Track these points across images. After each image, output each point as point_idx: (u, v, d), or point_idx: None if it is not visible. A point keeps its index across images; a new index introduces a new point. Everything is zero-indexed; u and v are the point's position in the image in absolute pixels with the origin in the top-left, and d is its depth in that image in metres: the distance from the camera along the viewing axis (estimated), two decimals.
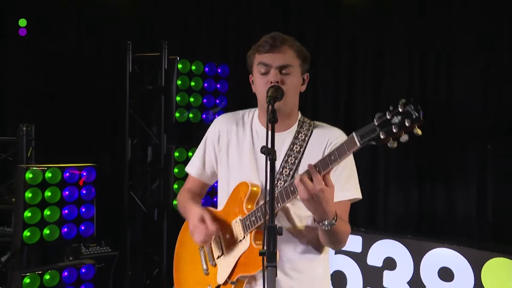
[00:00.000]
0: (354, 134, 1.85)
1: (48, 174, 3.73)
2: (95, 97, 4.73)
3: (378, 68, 4.96)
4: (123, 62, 4.58)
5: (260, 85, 2.22)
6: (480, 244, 4.16)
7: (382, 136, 1.78)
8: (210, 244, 2.33)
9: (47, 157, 4.00)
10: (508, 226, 4.56)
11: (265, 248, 1.78)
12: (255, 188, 2.22)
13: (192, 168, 2.51)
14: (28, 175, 3.65)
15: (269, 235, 1.78)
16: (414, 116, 1.71)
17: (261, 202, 2.16)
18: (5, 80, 4.65)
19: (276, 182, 2.17)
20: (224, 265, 2.25)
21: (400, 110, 1.74)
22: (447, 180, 4.85)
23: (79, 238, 3.93)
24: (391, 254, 4.35)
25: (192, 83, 4.50)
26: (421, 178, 4.93)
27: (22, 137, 3.90)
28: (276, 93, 2.09)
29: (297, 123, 2.31)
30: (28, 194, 3.65)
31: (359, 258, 4.49)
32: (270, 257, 1.75)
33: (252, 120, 2.37)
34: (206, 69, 4.57)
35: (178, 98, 4.41)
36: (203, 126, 4.67)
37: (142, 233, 4.88)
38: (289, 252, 2.21)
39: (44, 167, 3.75)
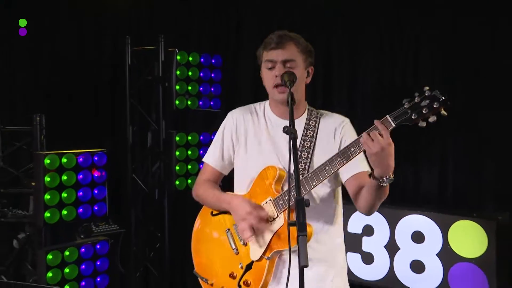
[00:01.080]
0: (387, 116, 1.99)
1: (64, 160, 3.75)
2: (98, 88, 4.72)
3: (351, 55, 4.99)
4: (123, 56, 4.59)
5: (267, 79, 2.29)
6: (447, 210, 4.31)
7: (414, 117, 1.94)
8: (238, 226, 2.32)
9: (55, 144, 3.99)
10: (465, 194, 4.76)
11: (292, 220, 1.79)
12: (282, 172, 2.25)
13: (210, 159, 2.48)
14: (47, 160, 3.66)
15: (298, 207, 1.80)
16: (441, 99, 1.90)
17: (291, 184, 2.20)
18: (12, 73, 4.59)
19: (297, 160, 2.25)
20: (258, 242, 2.24)
21: (427, 94, 1.91)
22: (415, 155, 4.95)
23: (93, 217, 3.97)
24: (369, 222, 4.49)
25: (190, 73, 4.52)
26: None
27: (36, 126, 3.89)
28: (292, 77, 2.16)
29: (306, 112, 2.38)
30: (47, 178, 3.67)
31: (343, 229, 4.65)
32: (300, 227, 1.76)
33: (264, 110, 2.42)
34: (202, 59, 4.59)
35: (177, 87, 4.43)
36: (200, 113, 4.79)
37: (144, 211, 4.90)
38: (312, 227, 2.22)
39: (61, 153, 3.76)
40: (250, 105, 2.49)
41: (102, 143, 4.57)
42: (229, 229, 2.36)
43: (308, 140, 2.30)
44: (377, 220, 4.46)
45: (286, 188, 2.23)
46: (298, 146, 2.26)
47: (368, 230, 4.51)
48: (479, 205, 4.57)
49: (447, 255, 4.14)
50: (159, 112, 4.65)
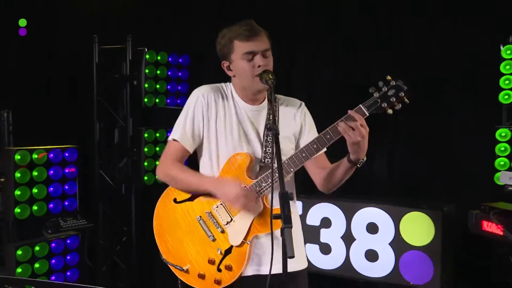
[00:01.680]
0: (360, 105, 2.08)
1: (35, 155, 3.66)
2: (66, 86, 4.61)
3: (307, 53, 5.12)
4: (90, 54, 4.51)
5: (247, 69, 2.21)
6: (399, 202, 4.41)
7: (383, 106, 2.05)
8: (212, 213, 2.28)
9: (22, 140, 3.89)
10: (414, 186, 4.94)
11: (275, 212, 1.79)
12: (252, 158, 2.25)
13: (182, 136, 2.31)
14: (17, 156, 3.57)
15: (283, 200, 1.80)
16: (404, 88, 2.04)
17: (258, 171, 2.24)
18: None
19: (264, 149, 2.26)
20: (237, 228, 2.23)
21: (393, 84, 2.05)
22: (368, 151, 5.18)
23: (64, 213, 3.89)
24: (327, 215, 4.54)
25: (158, 72, 4.49)
26: (345, 149, 5.21)
27: (4, 122, 3.78)
28: (271, 76, 2.14)
29: (266, 98, 2.35)
30: (18, 174, 3.57)
31: (300, 219, 4.71)
32: (286, 220, 1.76)
33: (231, 94, 2.34)
34: (170, 59, 4.57)
35: (146, 85, 4.40)
36: (167, 110, 4.74)
37: (111, 206, 4.83)
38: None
39: (31, 149, 3.66)
40: (217, 85, 2.38)
41: (69, 139, 4.49)
42: (200, 217, 2.30)
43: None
44: (334, 213, 4.53)
45: (256, 173, 2.25)
46: (264, 131, 2.28)
47: (326, 222, 4.57)
48: (427, 196, 4.78)
49: (398, 244, 4.26)
50: (126, 110, 4.59)
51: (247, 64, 2.22)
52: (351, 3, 5.00)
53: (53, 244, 3.78)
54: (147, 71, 4.39)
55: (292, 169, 2.17)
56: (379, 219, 4.37)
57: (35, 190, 3.67)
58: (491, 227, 3.52)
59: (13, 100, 4.30)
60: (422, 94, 4.72)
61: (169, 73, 4.58)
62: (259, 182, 2.20)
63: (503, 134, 4.19)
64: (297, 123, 2.37)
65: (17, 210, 3.58)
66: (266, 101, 2.35)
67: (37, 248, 3.68)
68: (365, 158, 2.15)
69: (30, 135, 4.09)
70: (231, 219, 2.25)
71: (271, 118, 2.21)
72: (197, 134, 2.31)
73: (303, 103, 2.43)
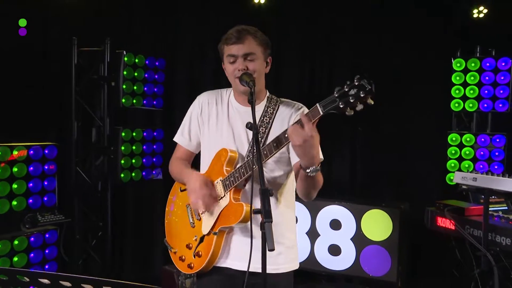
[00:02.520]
0: (317, 104, 1.89)
1: (15, 152, 3.60)
2: (45, 85, 4.53)
3: (278, 63, 5.21)
4: (70, 55, 4.47)
5: (230, 72, 2.25)
6: (360, 200, 4.57)
7: (341, 106, 1.81)
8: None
9: (7, 138, 3.76)
10: (371, 187, 5.10)
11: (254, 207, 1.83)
12: (233, 154, 2.25)
13: (181, 139, 2.46)
14: None
15: (264, 196, 1.80)
16: (367, 88, 1.78)
17: (239, 165, 2.19)
18: None
19: (250, 149, 2.23)
20: (208, 218, 2.27)
21: (356, 83, 1.80)
22: (329, 154, 5.27)
23: (43, 208, 3.83)
24: None
25: (136, 74, 4.48)
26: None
27: None
28: (251, 78, 2.14)
29: (265, 99, 2.34)
30: None
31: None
32: (266, 214, 1.76)
33: (229, 97, 2.39)
34: (147, 61, 4.57)
35: (124, 86, 4.38)
36: (144, 111, 4.75)
37: (87, 202, 4.75)
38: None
39: (12, 145, 3.60)
40: (218, 90, 2.44)
41: (48, 137, 4.42)
42: (188, 204, 2.38)
43: (263, 126, 2.27)
44: (300, 210, 4.60)
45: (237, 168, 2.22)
46: (253, 132, 2.22)
47: None
48: (385, 195, 4.94)
49: (359, 239, 4.40)
50: (103, 110, 4.55)
51: (230, 66, 2.25)
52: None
53: (32, 238, 3.71)
54: (125, 73, 4.37)
55: (253, 166, 2.07)
56: (342, 216, 4.49)
57: (14, 186, 3.61)
58: (445, 223, 3.69)
59: None
60: (380, 102, 4.92)
61: (146, 75, 4.57)
62: (229, 176, 2.20)
63: (453, 139, 4.40)
64: (290, 124, 2.24)
65: None
66: (263, 102, 2.33)
67: (16, 242, 3.61)
68: (317, 167, 1.98)
69: (9, 133, 3.97)
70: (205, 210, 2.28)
71: (265, 119, 2.27)
72: (194, 137, 2.43)
73: (304, 107, 2.31)
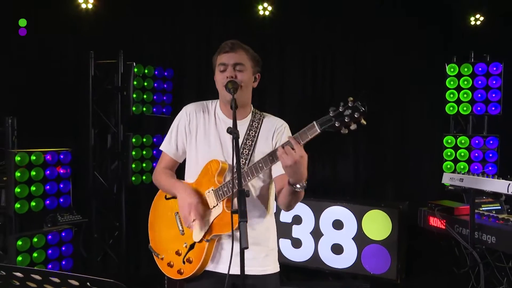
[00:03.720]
0: (314, 122, 1.97)
1: (33, 157, 3.77)
2: (65, 95, 4.75)
3: (281, 72, 5.37)
4: (87, 68, 4.67)
5: (220, 80, 2.27)
6: (361, 201, 4.60)
7: (337, 125, 1.92)
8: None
9: (26, 144, 3.97)
10: (374, 187, 5.12)
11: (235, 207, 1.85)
12: (224, 165, 2.26)
13: (168, 148, 2.44)
14: (17, 158, 3.67)
15: (240, 197, 1.84)
16: (361, 110, 1.89)
17: (229, 176, 2.19)
18: None
19: (240, 158, 2.20)
20: (200, 227, 2.26)
21: (350, 105, 1.90)
22: (334, 156, 5.35)
23: (59, 208, 3.99)
24: (297, 213, 4.67)
25: (145, 83, 4.63)
26: (314, 156, 5.33)
27: (8, 128, 3.88)
28: (235, 85, 2.18)
29: (251, 114, 2.37)
30: (17, 174, 3.67)
31: (274, 217, 4.84)
32: (242, 214, 1.81)
33: (215, 109, 2.39)
34: (156, 72, 4.71)
35: (134, 95, 4.53)
36: (154, 118, 4.90)
37: (104, 204, 4.95)
38: (249, 216, 2.18)
39: (30, 151, 3.78)
40: (203, 102, 2.44)
41: (67, 143, 4.61)
42: (177, 212, 2.36)
43: (250, 139, 2.30)
44: (305, 211, 4.67)
45: (228, 179, 2.22)
46: (241, 144, 2.26)
47: (297, 219, 4.71)
48: (385, 196, 4.96)
49: (360, 239, 4.43)
50: (117, 117, 4.73)
51: (220, 74, 2.28)
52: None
53: (49, 236, 3.88)
54: (135, 82, 4.53)
55: (249, 177, 2.15)
56: (344, 217, 4.52)
57: (33, 188, 3.77)
58: (436, 222, 3.71)
59: (20, 108, 4.41)
60: (380, 108, 4.98)
61: (155, 85, 4.72)
62: (222, 187, 2.22)
63: (449, 141, 4.40)
64: (273, 141, 2.34)
65: (17, 205, 3.69)
66: (248, 117, 2.35)
67: (35, 239, 3.78)
68: (304, 183, 2.06)
69: (34, 140, 4.16)
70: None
71: (251, 132, 2.31)
72: (180, 146, 2.41)
73: (285, 125, 2.38)
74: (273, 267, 2.40)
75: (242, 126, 2.30)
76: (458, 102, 4.39)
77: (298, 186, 2.06)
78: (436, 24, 4.74)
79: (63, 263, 3.99)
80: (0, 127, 3.95)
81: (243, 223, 1.81)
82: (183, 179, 2.43)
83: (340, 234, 4.54)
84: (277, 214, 4.69)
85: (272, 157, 2.10)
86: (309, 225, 4.67)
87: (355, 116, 1.89)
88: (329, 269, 4.62)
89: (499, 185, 3.02)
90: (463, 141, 4.35)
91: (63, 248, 3.99)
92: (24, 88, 4.59)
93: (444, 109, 4.43)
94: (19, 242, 3.68)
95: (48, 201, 3.89)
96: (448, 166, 4.36)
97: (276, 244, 2.47)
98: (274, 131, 2.34)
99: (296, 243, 4.73)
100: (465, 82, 4.33)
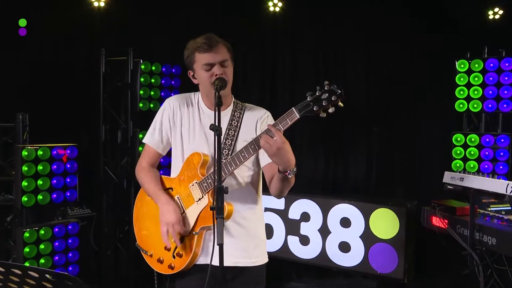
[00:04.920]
0: (293, 108, 1.99)
1: (40, 152, 3.86)
2: (78, 92, 4.87)
3: (293, 69, 5.35)
4: (98, 65, 4.75)
5: (206, 78, 2.25)
6: (369, 199, 4.56)
7: (315, 109, 1.95)
8: None
9: (40, 139, 4.07)
10: (385, 185, 5.06)
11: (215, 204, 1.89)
12: (206, 157, 2.27)
13: (151, 140, 2.43)
14: (24, 152, 3.77)
15: (218, 194, 1.88)
16: (338, 93, 1.93)
17: (213, 168, 2.18)
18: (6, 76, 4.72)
19: (221, 151, 2.20)
20: (187, 220, 2.26)
21: (327, 88, 1.94)
22: (345, 153, 5.30)
23: (65, 202, 4.08)
24: (306, 210, 4.68)
25: (152, 80, 4.67)
26: (326, 152, 5.35)
27: (19, 123, 3.99)
28: (221, 83, 2.18)
29: (232, 104, 2.38)
30: (24, 168, 3.77)
31: (282, 214, 4.78)
32: (218, 211, 1.85)
33: (198, 102, 2.39)
34: (163, 69, 4.75)
35: (141, 92, 4.58)
36: None
37: (114, 198, 5.04)
38: (237, 205, 2.27)
39: (36, 146, 3.88)
40: (186, 95, 2.44)
41: (80, 139, 4.74)
42: None
43: (232, 129, 2.31)
44: (313, 208, 4.66)
45: (211, 170, 2.22)
46: (223, 135, 2.27)
47: (305, 217, 4.71)
48: (392, 193, 4.89)
49: (368, 237, 4.39)
50: (127, 114, 4.80)
51: (206, 73, 2.25)
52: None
53: (56, 229, 3.99)
54: (142, 79, 4.58)
55: (233, 167, 2.16)
56: (352, 215, 4.49)
57: (39, 182, 3.87)
58: (438, 222, 3.62)
59: (34, 105, 4.54)
60: (390, 109, 4.92)
61: (163, 81, 4.76)
62: (206, 179, 2.24)
63: (458, 139, 4.29)
64: (257, 130, 2.35)
65: (24, 198, 3.80)
66: (230, 107, 2.36)
67: (41, 232, 3.89)
68: (294, 169, 2.08)
69: (47, 135, 4.27)
70: (183, 211, 2.30)
71: (233, 122, 2.32)
72: (165, 138, 2.41)
73: (268, 113, 2.39)
74: (262, 258, 2.41)
75: (225, 117, 2.31)
76: (468, 99, 4.26)
77: (288, 172, 2.08)
78: (451, 19, 4.62)
79: (70, 255, 4.09)
80: (11, 123, 4.08)
81: (220, 220, 1.85)
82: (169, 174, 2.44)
83: (348, 232, 4.52)
84: (285, 211, 4.80)
85: (254, 145, 2.11)
86: (317, 222, 4.66)
87: (332, 99, 1.92)
88: (337, 267, 4.60)
89: (499, 185, 2.92)
90: (473, 139, 4.22)
91: (70, 241, 4.09)
92: (38, 85, 4.73)
93: (453, 106, 4.31)
94: (26, 234, 3.79)
95: (54, 195, 3.98)
96: (458, 165, 4.24)
97: (265, 234, 2.48)
98: (257, 120, 2.34)
99: (304, 240, 4.73)
100: (476, 79, 4.20)
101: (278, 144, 1.98)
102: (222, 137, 2.24)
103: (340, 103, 1.94)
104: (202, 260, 2.31)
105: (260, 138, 2.04)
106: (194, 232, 2.25)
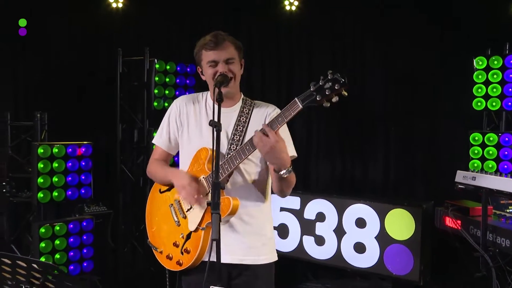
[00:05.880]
0: (296, 98, 1.98)
1: (55, 150, 3.98)
2: (95, 92, 4.98)
3: (310, 69, 5.33)
4: (115, 64, 4.83)
5: (209, 75, 2.29)
6: (384, 199, 4.49)
7: (318, 98, 1.92)
8: (179, 201, 2.34)
9: (59, 138, 4.19)
10: (403, 186, 4.99)
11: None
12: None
13: (160, 140, 2.47)
14: (40, 150, 3.89)
15: (214, 189, 1.87)
16: (341, 81, 1.88)
17: (221, 162, 2.18)
18: (26, 76, 4.84)
19: (229, 146, 2.26)
20: (194, 215, 2.27)
21: (330, 77, 1.90)
22: (363, 152, 5.23)
23: (80, 199, 4.17)
24: (321, 210, 4.65)
25: (167, 79, 4.73)
26: (343, 151, 5.30)
27: (37, 122, 4.12)
28: (222, 79, 2.20)
29: (241, 101, 2.39)
30: (40, 165, 3.89)
31: (298, 214, 4.76)
32: (214, 206, 1.84)
33: (206, 99, 2.42)
34: (178, 68, 4.81)
35: (156, 91, 4.65)
36: None
37: (131, 196, 5.11)
38: (244, 202, 2.24)
39: (52, 144, 3.99)
40: (194, 94, 2.48)
41: (97, 138, 4.83)
42: (172, 204, 2.38)
43: (241, 125, 2.31)
44: (328, 208, 4.63)
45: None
46: (231, 131, 2.29)
47: (321, 217, 4.68)
48: (412, 194, 4.81)
49: (383, 238, 4.33)
50: (143, 113, 4.87)
51: (211, 70, 2.29)
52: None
53: (71, 225, 4.09)
54: (156, 78, 4.66)
55: (237, 161, 2.16)
56: (367, 215, 4.45)
57: (55, 179, 3.99)
58: (451, 223, 3.55)
59: (54, 104, 4.70)
60: (408, 108, 4.85)
61: (178, 80, 4.82)
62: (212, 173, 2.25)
63: (476, 138, 4.18)
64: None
65: (40, 195, 3.92)
66: (238, 103, 2.38)
67: (57, 227, 4.00)
68: (290, 169, 2.08)
69: (66, 135, 4.38)
70: (191, 207, 2.30)
71: (242, 119, 2.32)
72: (172, 138, 2.44)
73: (277, 109, 2.36)
74: (270, 257, 2.39)
75: (233, 113, 2.33)
76: (487, 97, 4.15)
77: (282, 172, 2.08)
78: (471, 15, 4.52)
79: (84, 251, 4.19)
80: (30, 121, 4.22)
81: (215, 215, 1.84)
82: None
83: (363, 232, 4.47)
84: (301, 211, 4.80)
85: (249, 145, 2.11)
86: (332, 222, 4.62)
87: (336, 88, 1.88)
88: (351, 268, 4.55)
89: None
90: (491, 139, 4.10)
91: (84, 237, 4.18)
92: (58, 85, 4.88)
93: (471, 105, 4.21)
94: (42, 230, 3.91)
95: (69, 192, 4.09)
96: (475, 165, 4.13)
97: (273, 233, 2.47)
98: (266, 116, 2.34)
99: (319, 241, 4.70)
100: (495, 76, 4.09)
101: (271, 143, 1.98)
102: (230, 132, 2.29)
103: (344, 92, 1.90)
104: (208, 257, 2.30)
105: (254, 136, 2.04)
106: (201, 228, 2.25)
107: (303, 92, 1.98)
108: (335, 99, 1.92)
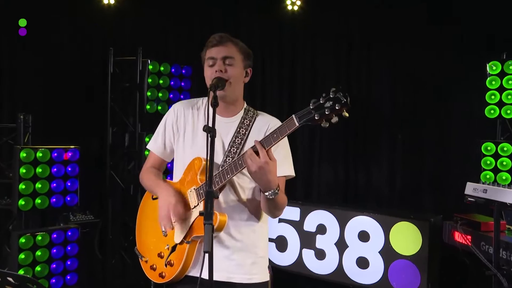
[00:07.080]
0: (293, 115, 1.91)
1: (39, 154, 3.84)
2: (84, 93, 4.89)
3: (313, 70, 5.24)
4: (106, 64, 4.72)
5: (209, 75, 2.23)
6: (389, 211, 4.39)
7: (316, 118, 1.85)
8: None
9: (45, 141, 4.06)
10: (410, 196, 4.88)
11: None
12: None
13: (154, 147, 2.42)
14: (22, 154, 3.76)
15: (207, 198, 1.82)
16: (343, 101, 1.80)
17: (214, 174, 2.10)
18: (12, 76, 4.74)
19: (225, 158, 2.20)
20: (180, 227, 2.22)
21: (331, 96, 1.83)
22: (366, 162, 5.15)
23: (65, 207, 4.03)
24: (322, 222, 4.55)
25: (161, 81, 4.62)
26: (346, 161, 5.20)
27: (20, 124, 3.99)
28: (217, 82, 2.12)
29: (243, 111, 2.31)
30: (22, 170, 3.75)
31: (297, 225, 4.67)
32: (207, 217, 1.79)
33: (206, 105, 2.32)
34: (173, 69, 4.69)
35: (148, 93, 4.54)
36: None
37: (121, 204, 4.98)
38: (235, 217, 2.20)
39: (36, 147, 3.85)
40: (193, 99, 2.41)
41: (86, 142, 4.71)
42: None
43: (239, 137, 2.24)
44: (329, 220, 4.53)
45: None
46: (229, 142, 2.23)
47: (321, 229, 4.57)
48: (419, 206, 4.70)
49: (388, 253, 4.22)
50: (135, 116, 4.75)
51: (209, 69, 2.24)
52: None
53: (54, 235, 3.92)
54: (150, 80, 4.54)
55: (229, 175, 2.11)
56: (370, 228, 4.34)
57: (38, 185, 3.84)
58: (461, 238, 3.43)
59: (40, 106, 4.59)
60: (415, 114, 4.75)
61: (172, 82, 4.70)
62: (203, 185, 2.17)
63: (488, 148, 4.06)
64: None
65: (21, 202, 3.76)
66: (240, 113, 2.31)
67: (38, 237, 3.84)
68: (276, 191, 2.03)
69: (53, 138, 4.26)
70: None
71: (241, 130, 2.27)
72: (168, 145, 2.38)
73: (280, 122, 2.21)
74: (261, 276, 2.30)
75: (233, 124, 2.27)
76: (501, 104, 4.04)
77: (267, 193, 2.03)
78: (479, 20, 4.42)
79: (68, 263, 4.02)
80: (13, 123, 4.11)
81: (208, 226, 1.78)
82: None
83: (366, 246, 4.35)
84: (300, 223, 4.68)
85: (241, 160, 2.05)
86: (334, 235, 4.51)
87: (336, 108, 1.81)
88: (354, 284, 4.42)
89: None
90: (505, 149, 3.98)
91: (68, 248, 4.02)
92: (44, 86, 4.77)
93: (483, 113, 4.10)
94: (22, 240, 3.76)
95: (54, 199, 3.95)
96: (488, 176, 4.00)
97: (267, 252, 2.38)
98: (266, 129, 2.25)
99: (320, 254, 4.59)
100: (510, 82, 3.97)
101: (259, 164, 1.94)
102: (227, 143, 2.23)
103: (345, 113, 1.83)
104: (194, 272, 2.24)
105: (245, 154, 1.99)
106: (186, 241, 2.19)
107: (305, 96, 1.87)
108: (334, 119, 1.84)
